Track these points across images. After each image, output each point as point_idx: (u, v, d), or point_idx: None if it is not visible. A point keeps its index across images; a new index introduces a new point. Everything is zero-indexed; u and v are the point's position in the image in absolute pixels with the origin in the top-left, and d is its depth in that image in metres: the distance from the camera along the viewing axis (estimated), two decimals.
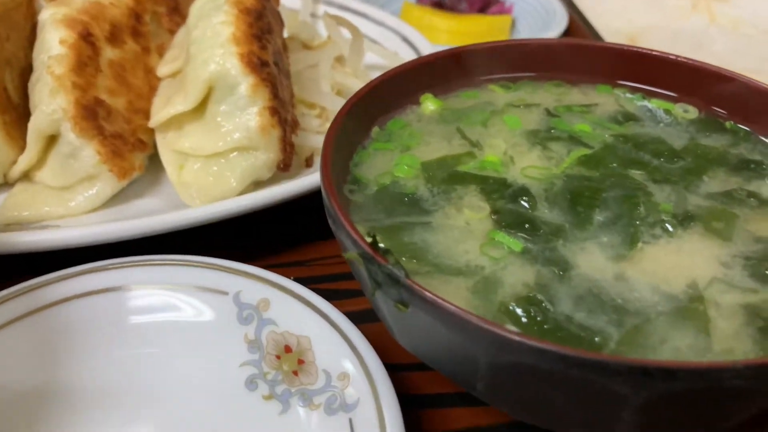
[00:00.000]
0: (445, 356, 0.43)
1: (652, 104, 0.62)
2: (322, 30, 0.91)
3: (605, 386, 0.35)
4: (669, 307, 0.42)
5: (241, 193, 0.67)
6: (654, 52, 0.62)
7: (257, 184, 0.69)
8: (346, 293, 0.58)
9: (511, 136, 0.58)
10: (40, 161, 0.70)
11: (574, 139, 0.57)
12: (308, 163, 0.74)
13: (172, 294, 0.55)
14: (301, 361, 0.51)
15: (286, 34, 0.84)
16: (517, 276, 0.44)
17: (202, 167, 0.68)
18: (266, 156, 0.67)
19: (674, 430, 0.40)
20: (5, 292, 0.54)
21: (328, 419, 0.48)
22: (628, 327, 0.40)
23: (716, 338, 0.40)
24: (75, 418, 0.50)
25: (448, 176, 0.52)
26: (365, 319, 0.53)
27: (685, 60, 0.61)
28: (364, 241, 0.41)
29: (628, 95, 0.63)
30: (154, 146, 0.73)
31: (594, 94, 0.63)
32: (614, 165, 0.54)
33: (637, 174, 0.53)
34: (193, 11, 0.74)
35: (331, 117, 0.55)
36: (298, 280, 0.55)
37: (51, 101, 0.67)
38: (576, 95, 0.63)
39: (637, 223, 0.48)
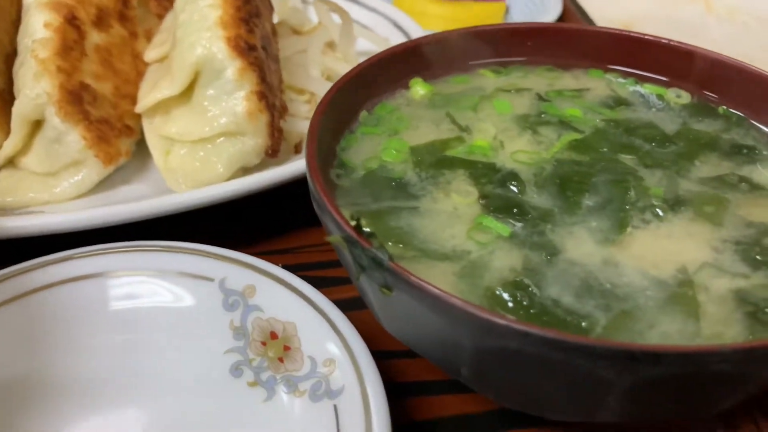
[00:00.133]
0: (430, 341, 0.42)
1: (645, 89, 0.61)
2: (313, 16, 0.90)
3: (590, 371, 0.34)
4: (658, 291, 0.41)
5: (229, 179, 0.66)
6: (646, 36, 0.61)
7: (245, 170, 0.68)
8: (334, 280, 0.58)
9: (501, 120, 0.57)
10: (25, 147, 0.69)
11: (565, 124, 0.56)
12: (297, 149, 0.73)
13: (157, 280, 0.54)
14: (286, 348, 0.51)
15: (276, 20, 0.83)
16: (505, 261, 0.43)
17: (189, 153, 0.67)
18: (254, 141, 0.66)
19: (661, 416, 0.39)
20: None
21: (313, 406, 0.47)
22: (615, 312, 0.40)
23: (705, 323, 0.40)
24: (58, 406, 0.49)
25: (437, 161, 0.52)
26: (353, 307, 0.52)
27: (677, 44, 0.60)
28: (348, 224, 0.40)
29: (620, 80, 0.62)
30: (142, 132, 0.72)
31: (586, 78, 0.63)
32: (605, 150, 0.53)
33: (627, 159, 0.52)
34: None
35: None
36: (286, 267, 0.54)
37: (35, 85, 0.66)
38: (567, 80, 0.62)
39: (627, 207, 0.47)
